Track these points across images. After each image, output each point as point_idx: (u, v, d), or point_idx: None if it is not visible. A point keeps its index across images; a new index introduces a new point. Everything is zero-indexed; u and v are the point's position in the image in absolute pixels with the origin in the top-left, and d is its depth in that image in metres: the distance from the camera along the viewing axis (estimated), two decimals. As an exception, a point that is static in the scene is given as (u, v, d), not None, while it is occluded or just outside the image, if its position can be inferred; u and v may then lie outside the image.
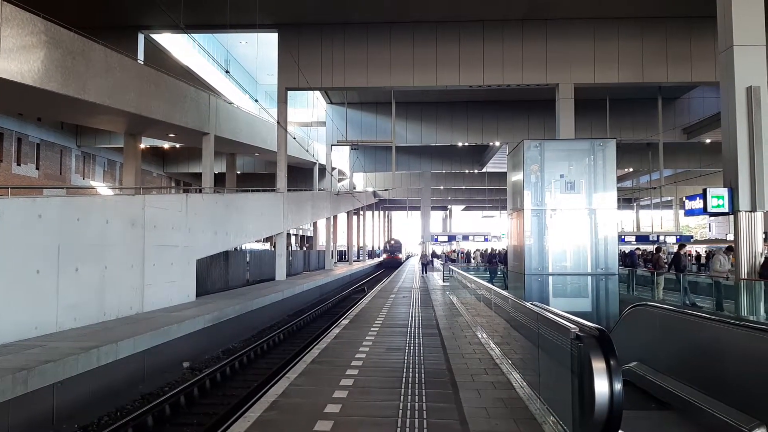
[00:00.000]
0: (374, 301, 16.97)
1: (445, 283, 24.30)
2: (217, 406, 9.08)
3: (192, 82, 25.00)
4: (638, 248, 27.26)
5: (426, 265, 36.68)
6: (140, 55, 24.31)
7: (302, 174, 41.79)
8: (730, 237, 27.16)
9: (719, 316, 7.28)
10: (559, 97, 24.71)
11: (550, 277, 12.37)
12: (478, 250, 43.28)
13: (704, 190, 13.08)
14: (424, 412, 5.24)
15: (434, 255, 49.61)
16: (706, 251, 29.85)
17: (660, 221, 57.85)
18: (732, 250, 16.35)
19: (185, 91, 22.38)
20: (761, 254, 12.36)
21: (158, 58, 26.96)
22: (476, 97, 34.08)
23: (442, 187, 59.10)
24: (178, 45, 29.51)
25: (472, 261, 37.38)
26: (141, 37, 25.17)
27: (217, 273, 21.10)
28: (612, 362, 3.71)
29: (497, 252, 30.23)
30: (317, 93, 36.38)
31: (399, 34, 24.84)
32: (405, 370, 7.08)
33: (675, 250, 19.51)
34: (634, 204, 54.53)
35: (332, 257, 45.33)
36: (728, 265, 14.65)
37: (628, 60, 24.53)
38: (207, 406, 9.13)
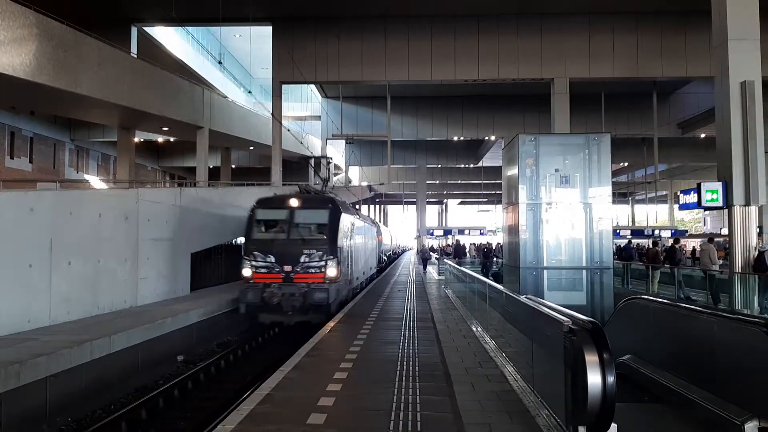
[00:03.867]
0: (369, 294, 16.96)
1: (440, 277, 24.31)
2: (211, 399, 9.06)
3: (186, 76, 24.86)
4: (630, 241, 27.34)
5: (427, 260, 33.35)
6: (133, 48, 24.16)
7: (297, 168, 41.69)
8: (725, 231, 27.27)
9: (712, 309, 7.29)
10: (554, 91, 24.69)
11: (545, 271, 12.36)
12: (473, 244, 43.38)
13: (698, 185, 13.13)
14: (418, 405, 5.24)
15: (432, 249, 43.04)
16: (700, 245, 30.01)
17: (655, 216, 58.05)
18: (713, 241, 16.44)
19: (179, 85, 22.26)
20: (755, 248, 12.40)
21: (151, 51, 26.80)
22: (472, 92, 34.02)
23: (437, 182, 59.06)
24: (171, 38, 29.32)
25: (467, 255, 37.42)
26: (134, 30, 25.01)
27: (212, 267, 21.02)
28: (605, 355, 3.71)
29: (490, 246, 30.27)
30: (312, 87, 36.25)
31: (394, 28, 24.75)
32: (399, 363, 7.07)
33: (669, 245, 19.58)
34: (629, 198, 54.67)
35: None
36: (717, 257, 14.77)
37: (623, 54, 24.52)
38: (201, 400, 9.11)
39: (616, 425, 3.75)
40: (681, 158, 42.16)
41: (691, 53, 24.11)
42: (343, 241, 13.66)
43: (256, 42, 35.17)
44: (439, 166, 51.08)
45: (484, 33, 24.68)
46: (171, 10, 19.37)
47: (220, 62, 29.49)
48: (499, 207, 39.13)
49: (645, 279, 17.62)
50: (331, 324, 10.61)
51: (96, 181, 31.50)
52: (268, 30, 26.00)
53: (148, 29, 26.41)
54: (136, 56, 22.22)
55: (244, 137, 28.89)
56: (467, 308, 12.60)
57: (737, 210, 12.54)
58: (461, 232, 48.86)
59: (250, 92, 23.73)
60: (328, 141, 37.68)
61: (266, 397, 5.48)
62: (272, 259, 12.67)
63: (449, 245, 47.73)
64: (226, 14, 22.37)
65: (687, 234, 46.30)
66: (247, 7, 21.88)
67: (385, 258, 35.01)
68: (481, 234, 47.47)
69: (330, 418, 4.85)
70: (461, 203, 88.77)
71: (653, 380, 6.10)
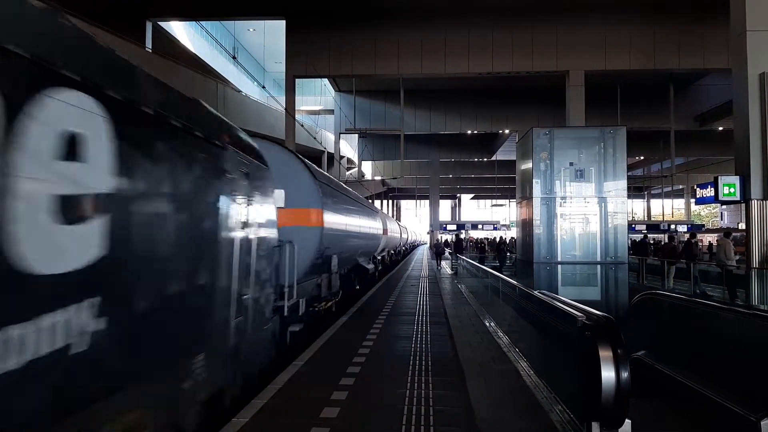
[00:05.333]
0: (382, 289, 16.98)
1: (452, 272, 24.28)
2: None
3: (200, 71, 24.98)
4: (645, 236, 27.13)
5: (440, 255, 30.58)
6: (148, 43, 24.29)
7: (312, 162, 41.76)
8: (742, 226, 26.97)
9: (728, 305, 7.21)
10: (569, 84, 24.48)
11: (559, 266, 12.32)
12: (486, 238, 43.27)
13: (716, 179, 12.97)
14: (431, 400, 5.24)
15: (446, 243, 37.61)
16: (716, 240, 29.75)
17: (671, 210, 57.47)
18: (729, 235, 16.26)
19: (193, 80, 22.37)
20: (773, 243, 12.24)
21: (166, 46, 26.93)
22: (486, 85, 33.86)
23: (450, 176, 58.92)
24: (186, 33, 29.46)
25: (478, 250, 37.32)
26: (149, 25, 25.14)
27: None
28: (619, 351, 3.68)
29: (505, 241, 30.13)
30: (325, 81, 36.29)
31: (407, 21, 24.65)
32: (412, 358, 7.08)
33: (686, 239, 19.39)
34: (645, 193, 54.17)
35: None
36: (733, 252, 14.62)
37: (640, 46, 24.25)
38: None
39: (630, 421, 3.73)
40: (698, 152, 41.69)
41: (709, 44, 23.78)
42: None
43: (269, 36, 35.27)
44: (453, 160, 50.93)
45: (498, 25, 24.51)
46: (185, 4, 19.46)
47: (234, 57, 29.66)
48: (513, 201, 39.01)
49: (660, 274, 17.47)
50: (344, 318, 10.63)
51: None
52: (281, 24, 26.04)
53: (162, 24, 26.54)
54: (150, 51, 22.35)
55: (257, 131, 29.00)
56: (480, 303, 12.58)
57: (755, 204, 12.37)
58: (474, 226, 48.77)
59: (263, 87, 23.83)
60: (341, 135, 37.71)
61: (279, 391, 5.51)
62: None
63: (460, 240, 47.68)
64: (239, 8, 22.45)
65: (704, 228, 45.82)
66: (260, 1, 21.93)
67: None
68: (495, 229, 47.33)
69: (343, 412, 4.86)
70: (474, 198, 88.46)
71: (668, 376, 6.05)
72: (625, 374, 3.62)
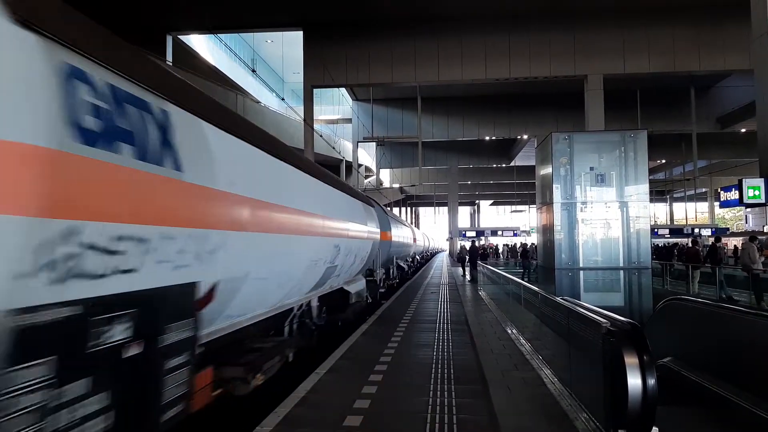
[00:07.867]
0: (400, 297, 16.96)
1: (469, 280, 24.13)
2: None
3: (220, 82, 25.28)
4: (677, 243, 26.70)
5: (462, 262, 27.20)
6: (169, 57, 24.68)
7: (329, 171, 41.90)
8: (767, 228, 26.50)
9: (755, 310, 7.08)
10: (588, 88, 24.32)
11: (581, 272, 12.21)
12: (506, 245, 43.01)
13: (740, 181, 12.78)
14: (454, 408, 5.22)
15: (466, 251, 28.47)
16: (741, 244, 29.23)
17: (694, 213, 56.65)
18: (755, 239, 15.97)
19: (213, 92, 22.64)
20: (801, 246, 12.01)
21: (187, 59, 27.33)
22: (503, 91, 33.76)
23: (469, 182, 58.70)
24: (205, 46, 29.88)
25: (500, 256, 37.09)
26: (169, 39, 25.54)
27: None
28: (645, 357, 3.64)
29: (527, 247, 29.87)
30: (343, 90, 36.47)
31: (423, 29, 24.72)
32: (434, 366, 7.06)
33: (710, 243, 19.09)
34: (668, 196, 53.45)
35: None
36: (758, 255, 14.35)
37: (659, 48, 24.01)
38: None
39: (657, 429, 3.68)
40: (721, 154, 41.05)
41: (730, 45, 23.47)
42: None
43: (287, 47, 35.61)
44: (471, 166, 50.78)
45: (515, 31, 24.46)
46: (205, 18, 19.72)
47: (253, 70, 29.94)
48: (533, 207, 38.72)
49: (684, 279, 17.23)
50: (364, 326, 10.64)
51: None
52: (299, 35, 26.29)
53: (182, 37, 26.94)
54: (171, 64, 22.68)
55: (276, 141, 29.24)
56: (501, 310, 12.50)
57: (781, 207, 12.18)
58: (494, 233, 48.53)
59: (283, 99, 24.05)
60: (359, 144, 37.84)
61: (302, 400, 5.53)
62: None
63: (483, 246, 47.46)
64: (258, 21, 22.69)
65: (728, 232, 45.02)
66: (278, 13, 22.17)
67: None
68: (515, 235, 47.07)
69: (366, 419, 4.87)
70: (493, 204, 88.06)
71: (695, 383, 5.96)
72: (651, 381, 3.59)
